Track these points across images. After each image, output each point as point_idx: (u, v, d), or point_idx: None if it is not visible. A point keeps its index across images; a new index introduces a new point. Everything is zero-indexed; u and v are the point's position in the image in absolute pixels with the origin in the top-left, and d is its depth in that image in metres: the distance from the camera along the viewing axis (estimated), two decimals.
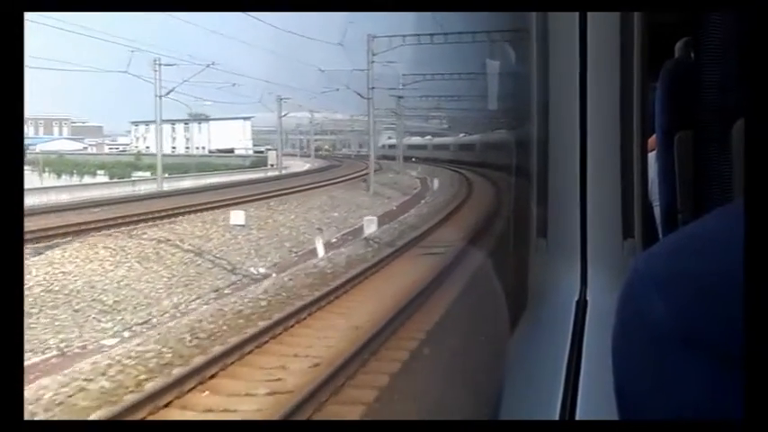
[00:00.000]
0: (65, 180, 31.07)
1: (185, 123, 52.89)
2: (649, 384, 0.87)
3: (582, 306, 1.85)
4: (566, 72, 1.92)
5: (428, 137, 40.49)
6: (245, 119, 51.74)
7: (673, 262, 0.89)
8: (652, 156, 2.30)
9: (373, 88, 28.23)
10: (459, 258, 11.07)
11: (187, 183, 29.10)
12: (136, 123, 54.40)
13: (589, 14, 1.86)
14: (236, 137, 52.14)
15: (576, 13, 1.87)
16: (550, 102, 1.98)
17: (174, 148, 52.70)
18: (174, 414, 6.39)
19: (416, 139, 40.00)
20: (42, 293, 10.51)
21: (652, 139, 2.21)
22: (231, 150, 49.46)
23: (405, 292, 9.65)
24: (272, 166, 41.04)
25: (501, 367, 2.02)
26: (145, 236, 14.19)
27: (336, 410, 6.39)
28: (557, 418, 1.49)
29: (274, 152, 47.69)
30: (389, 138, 40.66)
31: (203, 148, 52.26)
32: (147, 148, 50.21)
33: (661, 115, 2.11)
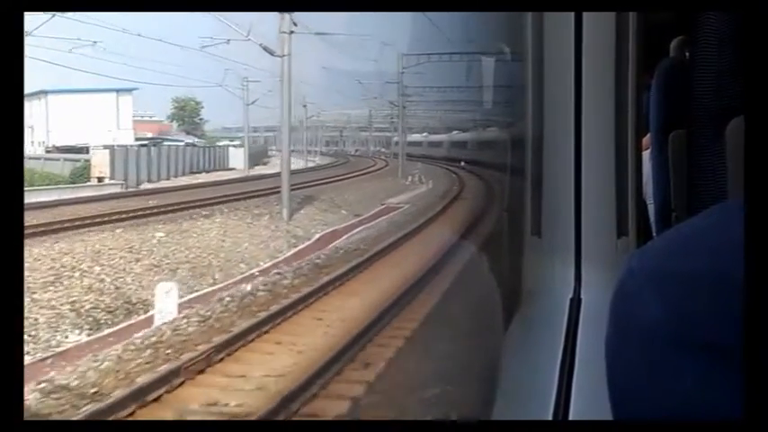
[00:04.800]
0: None
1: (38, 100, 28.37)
2: (643, 382, 0.87)
3: (576, 304, 1.86)
4: (561, 71, 1.92)
5: (425, 134, 40.91)
6: (118, 91, 29.50)
7: (666, 260, 0.89)
8: (646, 154, 2.30)
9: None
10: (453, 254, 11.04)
11: None
12: None
13: (584, 14, 1.86)
14: (102, 124, 28.84)
15: (572, 13, 1.87)
16: (545, 100, 1.98)
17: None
18: None
19: (415, 136, 40.01)
20: None
21: (646, 139, 2.22)
22: (85, 149, 25.24)
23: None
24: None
25: (494, 365, 2.02)
26: None
27: None
28: (550, 417, 1.50)
29: (240, 150, 29.85)
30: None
31: (41, 143, 28.72)
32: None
33: (655, 114, 2.11)
